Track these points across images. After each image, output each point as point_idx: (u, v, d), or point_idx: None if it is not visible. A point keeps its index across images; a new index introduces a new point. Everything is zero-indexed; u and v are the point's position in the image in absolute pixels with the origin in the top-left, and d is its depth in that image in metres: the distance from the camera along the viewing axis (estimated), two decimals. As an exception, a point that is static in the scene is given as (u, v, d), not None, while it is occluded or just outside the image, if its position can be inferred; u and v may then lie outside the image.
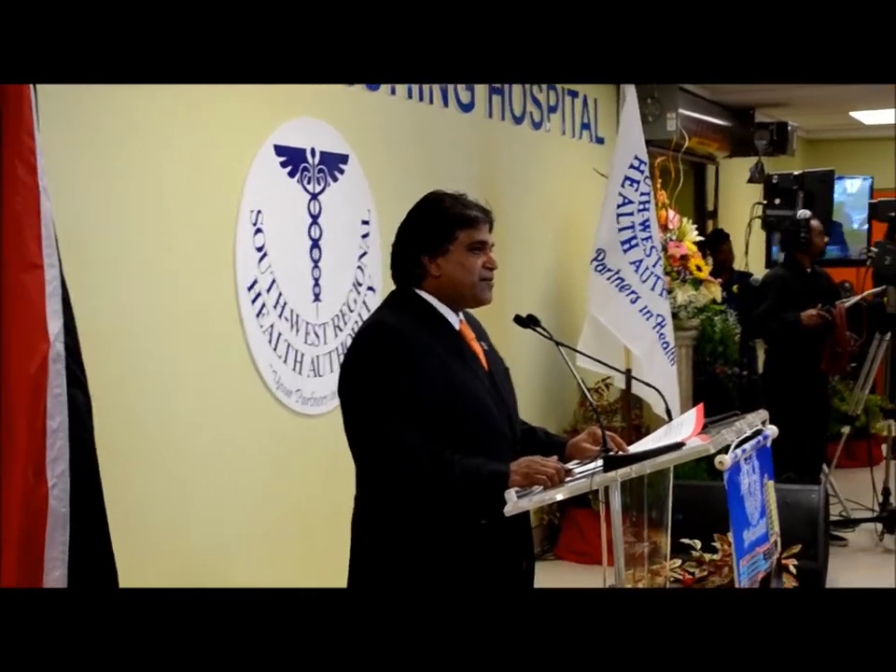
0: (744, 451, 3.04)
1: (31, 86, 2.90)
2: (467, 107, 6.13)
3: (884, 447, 8.06)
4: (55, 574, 2.87)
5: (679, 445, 2.90)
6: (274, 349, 4.62)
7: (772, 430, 3.30)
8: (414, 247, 3.14)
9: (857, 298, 7.60)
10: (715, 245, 9.10)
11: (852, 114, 11.11)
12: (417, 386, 2.97)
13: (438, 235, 3.11)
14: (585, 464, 3.13)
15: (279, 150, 4.66)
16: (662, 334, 6.24)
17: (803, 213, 7.39)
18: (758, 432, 3.20)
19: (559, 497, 2.92)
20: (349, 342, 4.91)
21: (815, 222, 7.32)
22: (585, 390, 3.51)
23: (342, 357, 4.88)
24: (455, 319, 3.17)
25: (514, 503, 2.84)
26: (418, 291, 3.15)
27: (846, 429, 7.70)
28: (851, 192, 9.79)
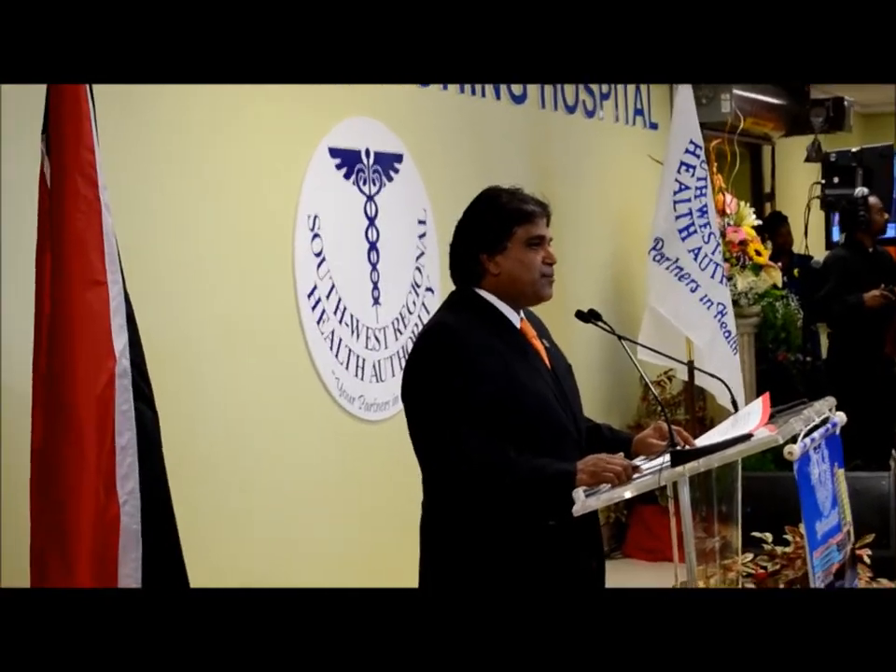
0: (813, 440, 2.99)
1: (89, 101, 2.93)
2: (519, 99, 6.11)
3: (955, 429, 7.95)
4: (130, 591, 2.90)
5: (746, 437, 2.86)
6: (336, 355, 4.63)
7: (840, 417, 3.25)
8: (472, 246, 3.10)
9: (920, 279, 7.48)
10: (774, 228, 8.98)
11: (909, 85, 10.94)
12: (479, 387, 2.94)
13: (495, 232, 3.07)
14: (652, 460, 3.10)
15: (334, 152, 4.67)
16: (723, 323, 6.18)
17: (860, 190, 7.27)
18: (826, 420, 3.16)
19: (627, 494, 2.88)
20: (410, 345, 4.95)
21: (874, 199, 7.20)
22: (649, 383, 3.48)
23: (403, 361, 4.92)
24: (515, 318, 3.15)
25: (582, 502, 2.82)
26: (478, 290, 3.12)
27: (915, 413, 7.56)
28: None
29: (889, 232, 8.58)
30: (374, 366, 4.85)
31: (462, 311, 3.11)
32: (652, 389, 3.53)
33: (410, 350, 3.20)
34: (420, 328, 4.94)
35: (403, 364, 4.83)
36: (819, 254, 8.24)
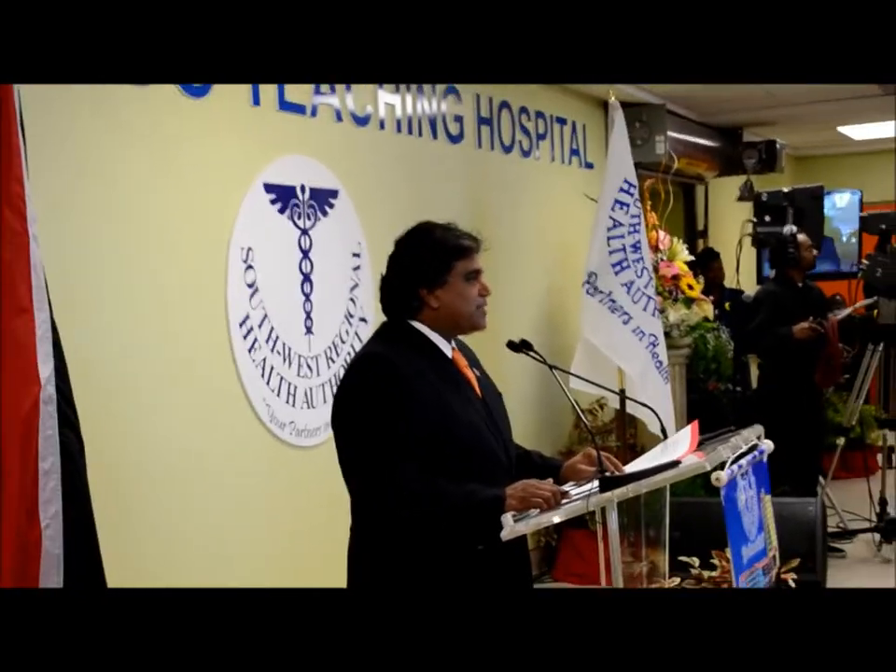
0: (740, 466, 3.02)
1: (19, 135, 2.93)
2: (455, 139, 6.17)
3: (879, 457, 8.08)
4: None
5: (675, 464, 2.90)
6: (267, 382, 4.63)
7: (767, 445, 3.29)
8: (411, 280, 3.13)
9: (848, 310, 7.66)
10: (706, 262, 9.11)
11: (840, 129, 11.14)
12: (410, 416, 2.97)
13: (435, 267, 3.11)
14: (581, 485, 3.12)
15: (269, 188, 4.69)
16: (655, 353, 6.25)
17: (789, 228, 7.41)
18: (753, 447, 3.20)
19: (556, 519, 2.90)
20: (341, 372, 4.95)
21: (802, 237, 7.32)
22: (580, 411, 3.51)
23: (334, 389, 4.91)
24: (447, 348, 3.18)
25: (511, 527, 2.83)
26: (411, 322, 3.15)
27: (840, 441, 7.65)
28: (841, 206, 9.82)
29: (823, 267, 8.79)
30: (306, 393, 4.87)
31: (394, 342, 3.13)
32: (583, 417, 3.56)
33: (342, 378, 3.20)
34: (352, 355, 4.97)
35: (334, 391, 4.89)
36: (750, 289, 8.39)
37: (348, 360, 4.93)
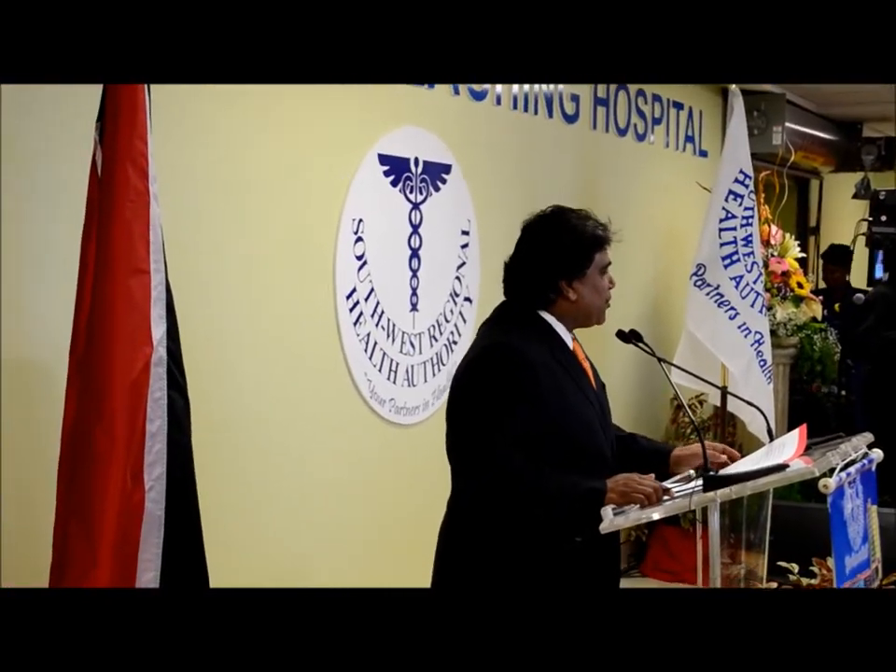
0: (849, 474, 2.97)
1: (146, 90, 2.94)
2: (571, 118, 6.11)
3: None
4: (148, 576, 2.91)
5: (782, 467, 2.83)
6: (370, 358, 4.63)
7: (877, 454, 3.22)
8: (551, 270, 3.08)
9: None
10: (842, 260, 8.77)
11: (962, 129, 10.89)
12: (531, 409, 2.94)
13: (576, 258, 3.08)
14: (683, 481, 3.09)
15: (383, 159, 4.67)
16: (760, 352, 6.16)
17: None
18: (863, 455, 3.13)
19: (656, 516, 2.87)
20: (444, 352, 4.98)
21: None
22: (685, 405, 3.46)
23: (436, 368, 4.93)
24: (569, 339, 3.15)
25: (611, 521, 2.81)
26: (539, 312, 3.11)
27: (946, 451, 7.46)
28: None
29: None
30: (407, 370, 4.85)
31: (523, 330, 3.08)
32: (689, 412, 3.52)
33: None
34: (456, 335, 4.97)
35: (436, 370, 4.93)
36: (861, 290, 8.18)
37: (451, 340, 4.97)
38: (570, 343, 3.14)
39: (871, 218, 7.92)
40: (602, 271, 3.12)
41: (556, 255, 3.08)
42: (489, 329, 3.18)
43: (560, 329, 3.11)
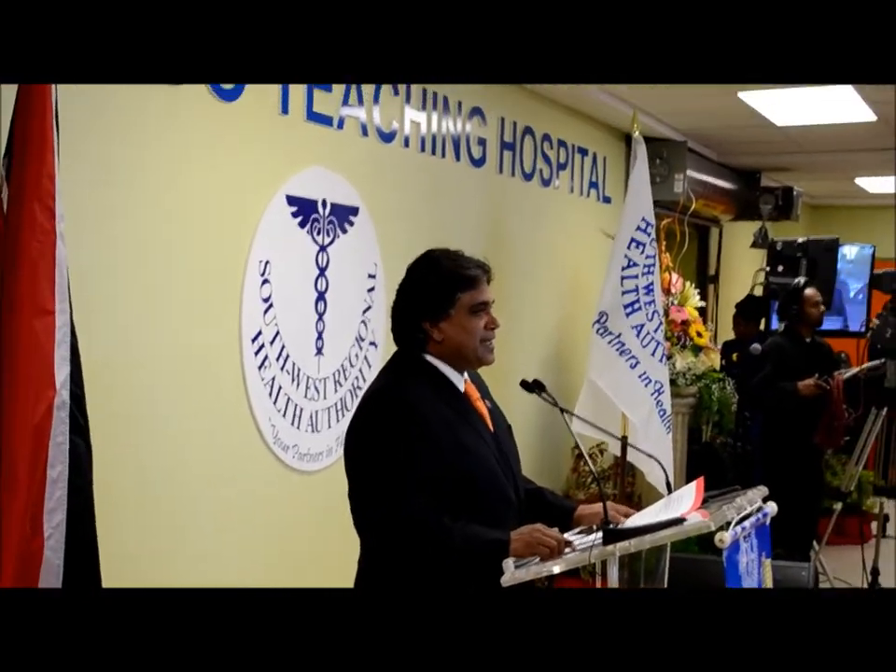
0: (744, 528, 3.01)
1: (54, 131, 2.91)
2: (478, 162, 6.16)
3: (874, 525, 7.95)
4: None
5: (679, 521, 2.88)
6: (274, 402, 4.59)
7: (772, 508, 3.27)
8: (415, 312, 3.12)
9: (855, 370, 7.50)
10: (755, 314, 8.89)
11: (857, 181, 11.17)
12: (423, 452, 2.96)
13: (438, 299, 3.09)
14: (583, 533, 3.12)
15: (291, 200, 4.66)
16: (660, 401, 6.19)
17: (798, 280, 7.36)
18: (758, 509, 3.18)
19: (556, 569, 2.89)
20: (348, 397, 4.96)
21: (810, 291, 7.21)
22: (586, 455, 3.49)
23: (340, 413, 4.91)
24: (460, 381, 3.17)
25: (512, 573, 2.83)
26: (423, 355, 3.14)
27: (837, 505, 7.52)
28: (850, 259, 9.70)
29: (831, 325, 8.68)
30: (311, 416, 4.82)
31: (409, 375, 3.11)
32: (589, 462, 3.55)
33: (356, 411, 3.16)
34: (361, 381, 4.95)
35: (340, 416, 4.90)
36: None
37: (355, 385, 4.96)
38: (461, 385, 3.16)
39: (768, 268, 8.09)
40: (473, 310, 3.10)
41: (418, 296, 3.11)
42: (379, 375, 3.24)
43: (447, 370, 3.13)
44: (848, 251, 9.64)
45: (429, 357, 3.14)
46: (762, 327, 8.67)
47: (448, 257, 3.15)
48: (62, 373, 2.91)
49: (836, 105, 7.18)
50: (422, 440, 2.97)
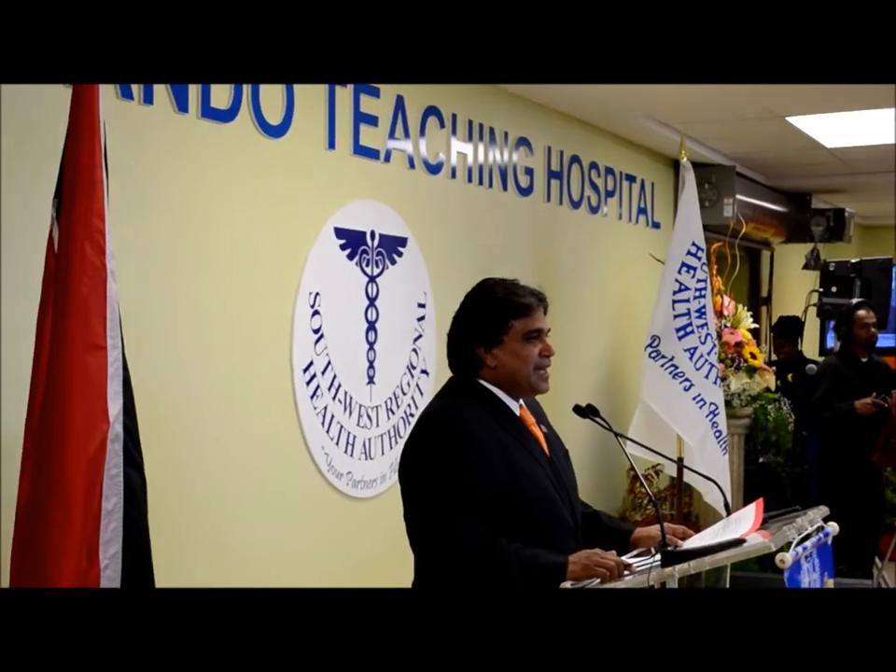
0: (805, 548, 2.98)
1: (103, 169, 2.95)
2: (525, 191, 6.16)
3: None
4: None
5: (739, 542, 2.86)
6: (327, 431, 4.61)
7: (833, 528, 3.24)
8: (469, 339, 3.15)
9: (912, 388, 7.49)
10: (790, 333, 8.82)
11: (908, 200, 11.07)
12: (477, 474, 2.96)
13: (492, 326, 3.11)
14: (641, 556, 3.10)
15: (339, 233, 4.68)
16: (715, 423, 6.17)
17: (850, 303, 7.34)
18: (819, 529, 3.15)
19: (616, 591, 2.88)
20: (401, 424, 4.96)
21: (861, 313, 7.24)
22: (641, 477, 3.48)
23: (393, 440, 4.92)
24: (515, 405, 3.18)
25: (570, 597, 2.81)
26: (479, 380, 3.14)
27: (899, 522, 7.55)
28: (906, 280, 9.67)
29: (888, 342, 8.62)
30: (364, 443, 4.83)
31: (464, 399, 3.13)
32: (645, 484, 3.53)
33: (410, 433, 3.19)
34: (413, 408, 4.96)
35: (393, 443, 4.90)
36: (812, 360, 8.27)
37: (408, 412, 4.96)
38: (517, 410, 3.17)
39: (821, 289, 8.06)
40: (527, 338, 3.11)
41: (472, 323, 3.15)
42: (434, 399, 3.28)
43: (502, 395, 3.15)
44: (904, 272, 9.57)
45: (484, 382, 3.15)
46: (801, 345, 8.59)
47: (503, 285, 3.19)
48: (115, 407, 2.92)
49: (882, 125, 7.15)
50: (476, 460, 2.98)
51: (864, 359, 7.30)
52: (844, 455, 7.17)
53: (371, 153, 4.90)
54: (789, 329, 8.80)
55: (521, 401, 3.21)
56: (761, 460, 7.53)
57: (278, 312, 4.40)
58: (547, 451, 3.20)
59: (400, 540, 3.12)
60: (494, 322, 3.11)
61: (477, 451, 2.99)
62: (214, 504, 4.11)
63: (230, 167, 4.17)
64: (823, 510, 3.29)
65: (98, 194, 2.95)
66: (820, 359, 8.04)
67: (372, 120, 4.88)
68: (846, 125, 7.19)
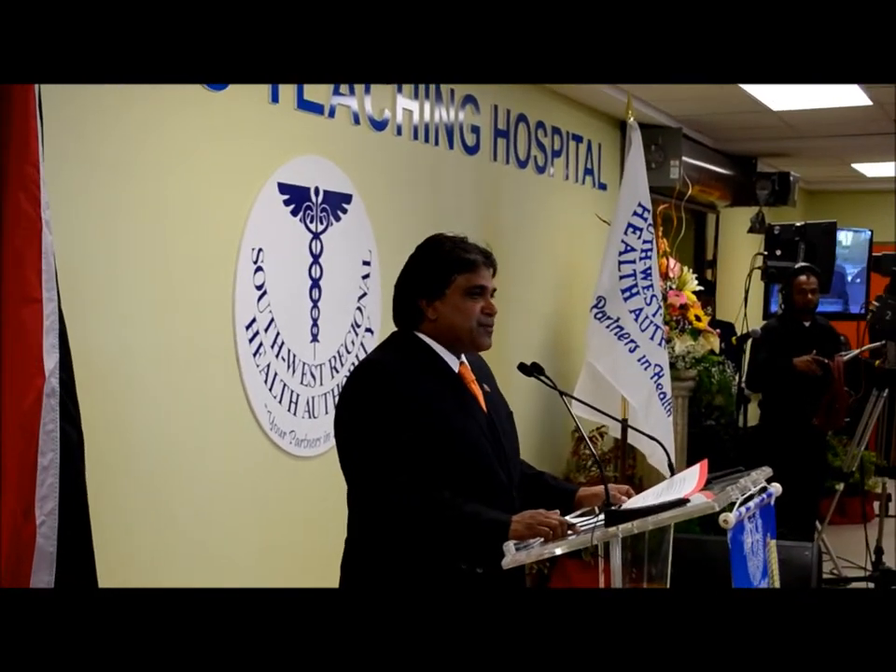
0: (748, 509, 2.98)
1: (37, 117, 2.89)
2: (471, 150, 6.12)
3: (876, 504, 8.02)
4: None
5: (683, 502, 2.85)
6: (270, 389, 4.56)
7: (776, 488, 3.25)
8: (412, 290, 3.17)
9: (855, 352, 7.57)
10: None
11: (854, 166, 11.14)
12: (407, 425, 2.96)
13: (435, 278, 3.13)
14: (585, 515, 3.10)
15: (283, 188, 4.62)
16: (660, 384, 6.18)
17: (799, 266, 7.41)
18: (762, 490, 3.15)
19: (559, 551, 2.87)
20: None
21: (801, 278, 7.32)
22: (586, 438, 3.48)
23: (337, 399, 4.87)
24: (454, 362, 3.18)
25: (513, 555, 2.81)
26: (417, 334, 3.15)
27: (839, 486, 7.62)
28: (846, 245, 9.75)
29: (831, 307, 8.73)
30: (308, 402, 4.79)
31: (401, 351, 3.15)
32: (590, 445, 3.52)
33: (344, 383, 3.20)
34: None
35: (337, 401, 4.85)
36: (756, 323, 8.33)
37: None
38: (455, 366, 3.17)
39: (766, 252, 8.09)
40: (469, 293, 3.12)
41: (416, 275, 3.17)
42: (371, 352, 3.31)
43: (441, 350, 3.16)
44: (845, 237, 9.66)
45: (423, 336, 3.16)
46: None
47: (451, 240, 3.20)
48: (51, 361, 2.88)
49: (832, 90, 7.19)
50: (405, 412, 2.98)
51: (807, 323, 7.35)
52: (785, 418, 7.23)
53: (316, 108, 4.84)
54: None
55: (463, 358, 3.20)
56: (706, 422, 7.58)
57: (220, 268, 4.34)
58: (485, 409, 3.19)
59: (343, 499, 3.09)
60: (437, 275, 3.12)
61: (405, 401, 2.99)
62: (153, 461, 4.06)
63: (171, 121, 4.09)
64: (767, 471, 3.29)
65: (33, 144, 2.90)
66: (763, 322, 8.09)
67: (318, 75, 4.80)
68: (793, 89, 7.20)
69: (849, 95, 7.32)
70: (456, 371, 3.17)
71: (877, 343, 7.41)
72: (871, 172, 11.52)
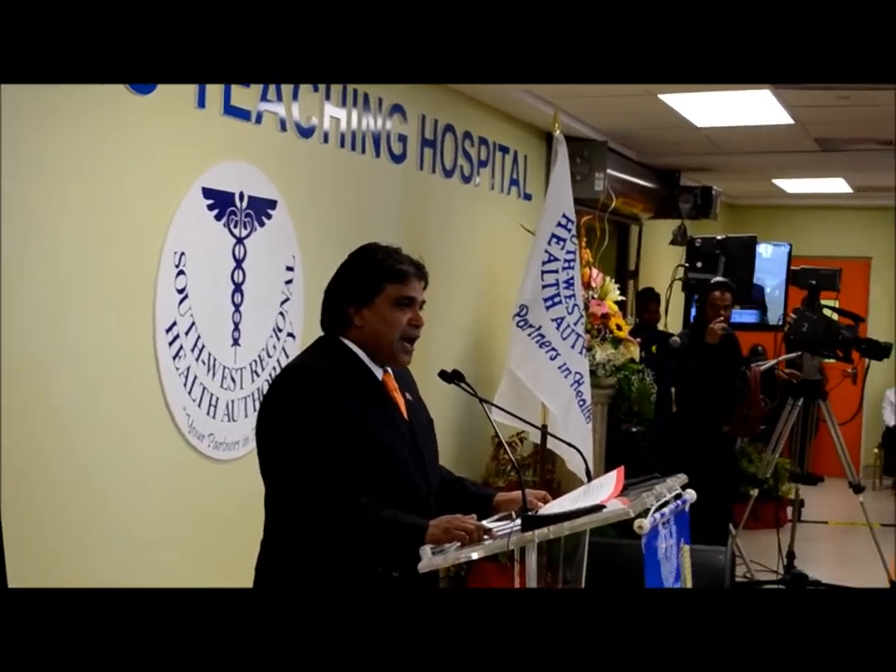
0: (663, 515, 3.02)
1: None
2: (398, 158, 6.14)
3: (789, 510, 8.19)
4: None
5: (599, 508, 2.88)
6: (189, 392, 4.54)
7: (690, 495, 3.30)
8: (341, 296, 3.16)
9: (772, 362, 7.73)
10: (644, 303, 9.22)
11: (775, 181, 11.31)
12: (327, 431, 2.97)
13: (365, 286, 3.13)
14: (502, 520, 3.12)
15: (207, 193, 4.61)
16: (579, 391, 6.23)
17: (716, 280, 7.55)
18: (677, 496, 3.20)
19: (475, 555, 2.89)
20: (266, 387, 4.90)
21: (716, 294, 7.45)
22: (505, 443, 3.51)
23: (257, 403, 4.87)
24: (377, 369, 3.18)
25: (429, 559, 2.83)
26: (343, 340, 3.15)
27: (753, 491, 7.74)
28: (766, 258, 9.88)
29: (749, 318, 8.90)
30: (228, 405, 4.78)
31: (325, 356, 3.15)
32: (509, 451, 3.56)
33: (268, 387, 3.20)
34: (278, 370, 4.91)
35: (257, 405, 4.78)
36: (677, 332, 8.44)
37: (273, 375, 4.91)
38: (379, 374, 3.18)
39: (687, 264, 8.20)
40: (398, 303, 3.13)
41: (346, 282, 3.17)
42: (296, 356, 3.31)
43: (365, 357, 3.16)
44: (764, 250, 9.79)
45: (348, 342, 3.16)
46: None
47: (384, 250, 3.21)
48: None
49: (754, 107, 7.30)
50: (326, 417, 2.98)
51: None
52: (697, 426, 7.37)
53: (242, 114, 4.83)
54: (646, 296, 9.43)
55: (387, 367, 3.21)
56: (629, 429, 7.67)
57: (141, 270, 4.31)
58: (407, 417, 3.20)
59: (262, 503, 3.09)
60: (367, 282, 3.13)
61: (327, 407, 2.99)
62: (71, 465, 4.03)
63: (96, 122, 4.07)
64: (682, 477, 3.33)
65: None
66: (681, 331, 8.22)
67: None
68: (717, 105, 7.31)
69: (772, 114, 7.44)
70: (380, 378, 3.18)
71: (793, 354, 7.56)
72: (791, 188, 11.70)
